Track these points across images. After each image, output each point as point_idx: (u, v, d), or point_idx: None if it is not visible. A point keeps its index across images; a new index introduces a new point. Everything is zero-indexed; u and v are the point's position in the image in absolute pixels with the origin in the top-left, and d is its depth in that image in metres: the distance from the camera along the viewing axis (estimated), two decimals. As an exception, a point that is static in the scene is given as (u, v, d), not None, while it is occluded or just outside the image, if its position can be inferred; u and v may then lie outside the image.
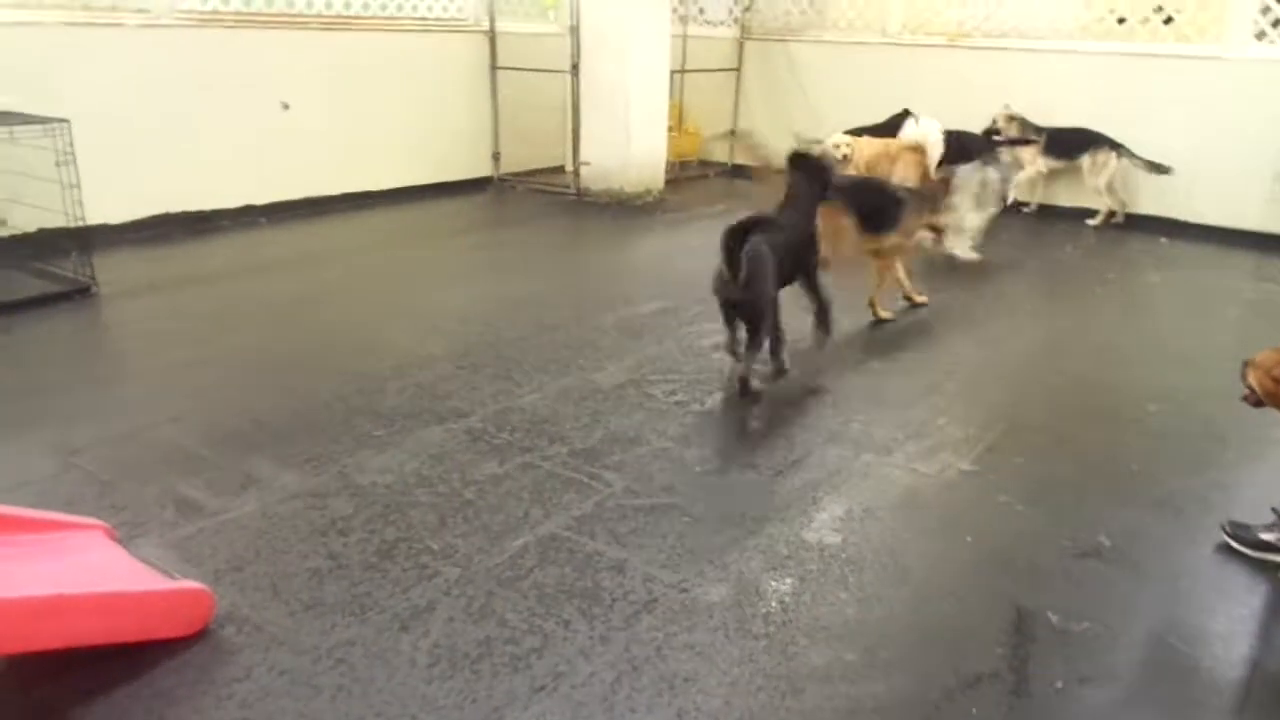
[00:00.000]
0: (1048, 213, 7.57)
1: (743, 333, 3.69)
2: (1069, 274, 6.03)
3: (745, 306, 3.59)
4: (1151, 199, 7.11)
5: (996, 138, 6.95)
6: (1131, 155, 6.92)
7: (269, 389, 3.66)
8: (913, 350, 4.45)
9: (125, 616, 2.02)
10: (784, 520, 2.80)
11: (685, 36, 8.38)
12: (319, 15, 6.48)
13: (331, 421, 3.35)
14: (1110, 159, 7.00)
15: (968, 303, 5.21)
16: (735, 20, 8.81)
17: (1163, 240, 6.88)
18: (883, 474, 3.14)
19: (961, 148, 6.54)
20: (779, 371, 3.91)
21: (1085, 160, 7.11)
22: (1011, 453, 3.32)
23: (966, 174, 5.38)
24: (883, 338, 4.58)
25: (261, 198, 6.31)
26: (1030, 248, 6.63)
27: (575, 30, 7.07)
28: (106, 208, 5.34)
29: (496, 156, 7.83)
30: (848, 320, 4.64)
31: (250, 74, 6.12)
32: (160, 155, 5.76)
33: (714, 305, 4.20)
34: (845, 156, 6.40)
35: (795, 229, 3.82)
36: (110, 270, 4.81)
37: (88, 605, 1.96)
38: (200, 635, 2.15)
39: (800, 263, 3.90)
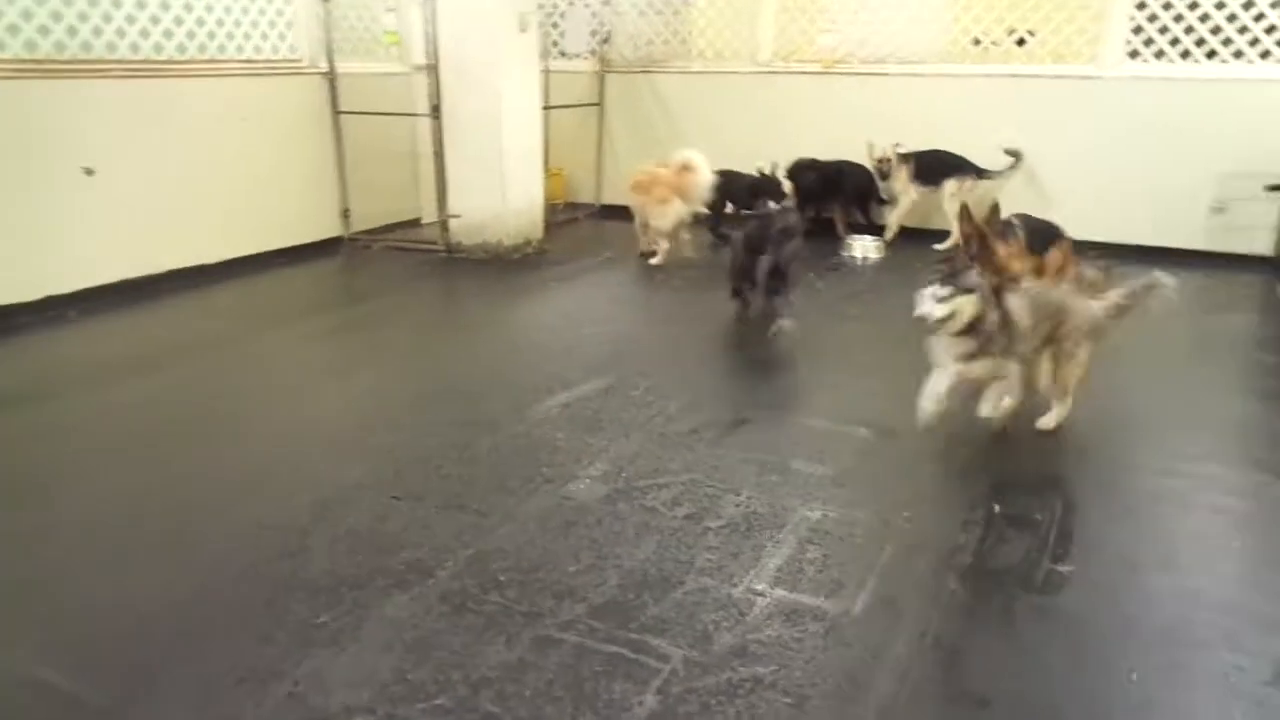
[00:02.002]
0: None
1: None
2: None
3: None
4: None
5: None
6: (993, 175, 6.72)
7: (147, 564, 2.68)
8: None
9: None
10: (909, 685, 2.16)
11: (547, 71, 7.69)
12: (123, 61, 5.36)
13: (252, 608, 2.44)
14: (976, 185, 6.72)
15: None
16: (593, 53, 8.21)
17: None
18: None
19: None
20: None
21: (950, 185, 6.81)
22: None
23: None
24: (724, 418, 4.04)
25: (67, 285, 5.12)
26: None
27: (433, 69, 6.26)
28: None
29: (346, 214, 6.85)
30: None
31: (40, 134, 4.95)
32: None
33: (664, 378, 4.24)
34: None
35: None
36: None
37: None
38: None
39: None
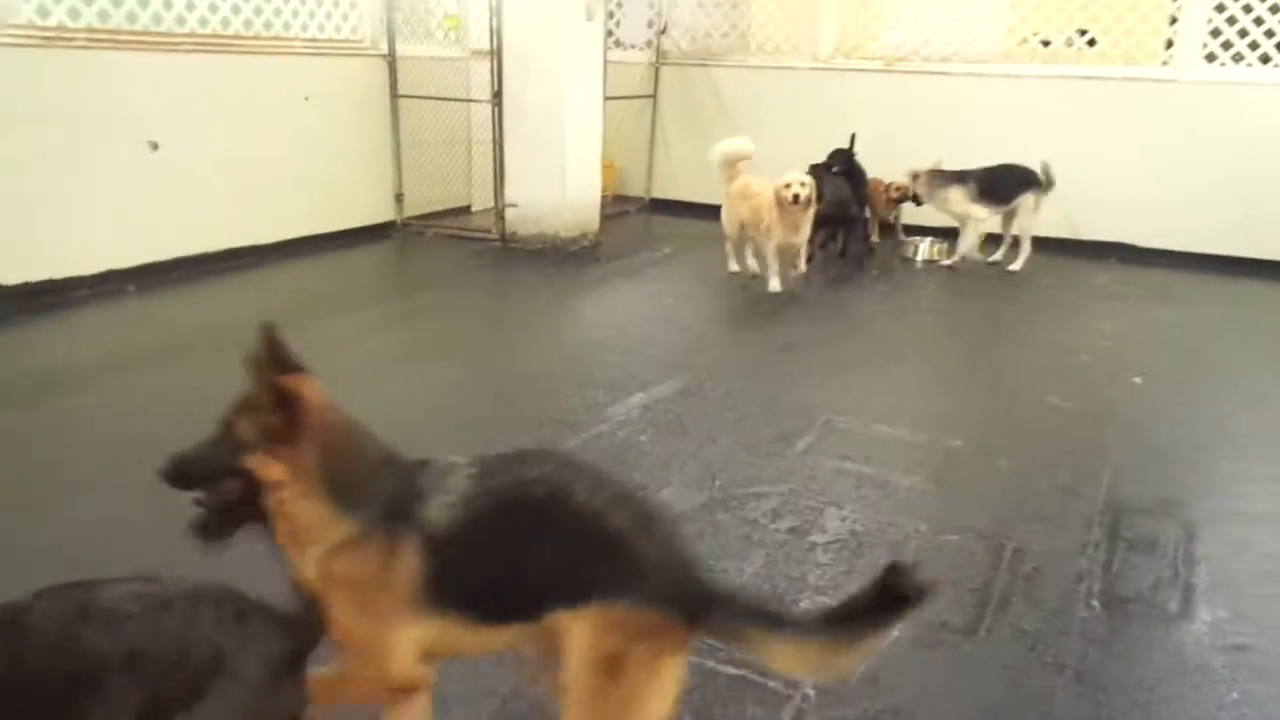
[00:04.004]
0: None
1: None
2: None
3: None
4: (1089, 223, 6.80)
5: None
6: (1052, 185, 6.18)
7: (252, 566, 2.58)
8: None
9: None
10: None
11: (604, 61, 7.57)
12: (191, 35, 5.28)
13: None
14: (1044, 198, 6.17)
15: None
16: (649, 44, 8.08)
17: (1114, 262, 6.62)
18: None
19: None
20: None
21: (1028, 200, 6.20)
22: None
23: None
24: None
25: (127, 260, 5.04)
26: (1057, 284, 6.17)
27: (496, 55, 6.15)
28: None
29: (400, 198, 6.76)
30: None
31: (109, 106, 4.89)
32: (-8, 213, 4.45)
33: (740, 380, 4.12)
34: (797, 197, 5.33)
35: None
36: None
37: None
38: None
39: None
